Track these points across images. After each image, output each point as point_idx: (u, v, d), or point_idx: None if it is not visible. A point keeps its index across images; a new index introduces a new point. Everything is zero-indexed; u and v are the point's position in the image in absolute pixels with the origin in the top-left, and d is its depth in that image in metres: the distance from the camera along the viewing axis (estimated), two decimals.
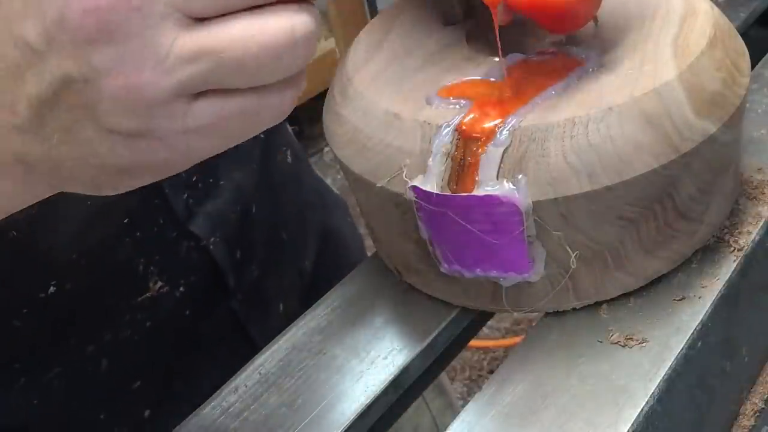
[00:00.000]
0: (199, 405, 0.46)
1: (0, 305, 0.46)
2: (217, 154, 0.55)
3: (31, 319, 0.48)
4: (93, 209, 0.48)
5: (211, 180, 0.55)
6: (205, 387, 0.47)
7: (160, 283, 0.52)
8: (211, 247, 0.55)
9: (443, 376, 0.79)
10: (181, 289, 0.54)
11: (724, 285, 0.46)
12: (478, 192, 0.42)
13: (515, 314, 1.46)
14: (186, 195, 0.54)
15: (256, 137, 0.60)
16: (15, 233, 0.45)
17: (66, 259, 0.48)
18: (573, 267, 0.44)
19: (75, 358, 0.50)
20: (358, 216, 0.58)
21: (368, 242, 0.55)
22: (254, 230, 0.60)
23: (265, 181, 0.61)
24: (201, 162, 0.53)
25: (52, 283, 0.47)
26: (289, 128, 0.69)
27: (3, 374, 0.48)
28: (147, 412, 0.55)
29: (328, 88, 0.51)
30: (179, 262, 0.54)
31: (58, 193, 0.46)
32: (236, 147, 0.58)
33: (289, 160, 0.64)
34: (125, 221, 0.50)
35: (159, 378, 0.56)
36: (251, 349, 0.49)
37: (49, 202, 0.46)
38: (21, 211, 0.44)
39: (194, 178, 0.54)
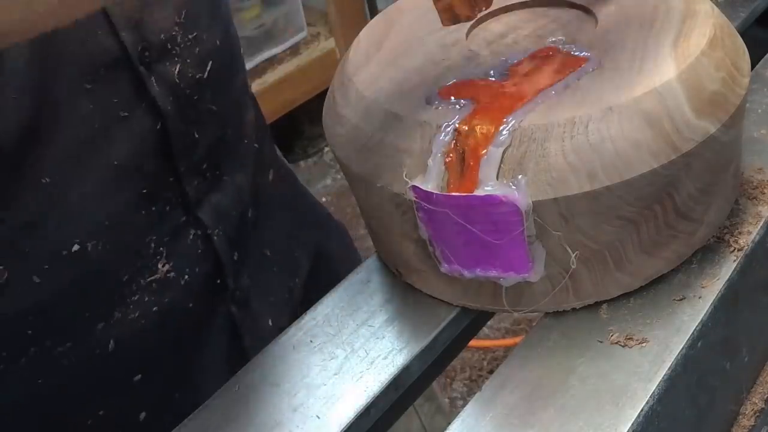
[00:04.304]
0: None
1: (26, 255, 0.47)
2: (219, 151, 0.56)
3: (51, 278, 0.48)
4: (119, 169, 0.50)
5: (217, 172, 0.57)
6: (202, 399, 0.47)
7: (167, 266, 0.54)
8: (216, 238, 0.57)
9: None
10: (186, 277, 0.55)
11: (724, 285, 0.46)
12: (478, 192, 0.42)
13: (515, 314, 1.46)
14: (197, 181, 0.55)
15: (249, 145, 0.62)
16: (47, 179, 0.47)
17: (91, 218, 0.49)
18: (573, 267, 0.44)
19: (85, 333, 0.51)
20: (355, 223, 0.58)
21: (368, 243, 0.55)
22: (248, 236, 0.61)
23: (256, 191, 0.62)
24: (209, 151, 0.54)
25: (76, 240, 0.49)
26: (278, 151, 0.70)
27: (15, 341, 0.49)
28: (143, 415, 0.55)
29: (328, 88, 0.51)
30: (186, 249, 0.55)
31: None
32: (235, 147, 0.58)
33: (270, 178, 0.65)
34: (143, 191, 0.51)
35: (159, 378, 0.56)
36: (245, 363, 0.49)
37: (80, 151, 0.47)
38: (53, 156, 0.46)
39: (204, 166, 0.55)
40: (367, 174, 0.45)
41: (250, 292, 0.61)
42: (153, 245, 0.53)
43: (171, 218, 0.54)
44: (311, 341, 0.49)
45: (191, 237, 0.55)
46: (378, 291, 0.52)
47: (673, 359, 0.42)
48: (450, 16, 0.44)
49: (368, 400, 0.45)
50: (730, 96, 0.44)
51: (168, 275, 0.54)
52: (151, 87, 0.50)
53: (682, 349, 0.43)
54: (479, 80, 0.46)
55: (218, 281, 0.58)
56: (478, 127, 0.42)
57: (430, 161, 0.43)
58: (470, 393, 1.64)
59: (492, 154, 0.42)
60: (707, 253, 0.48)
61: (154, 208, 0.52)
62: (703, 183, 0.45)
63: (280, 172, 0.68)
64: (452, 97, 0.45)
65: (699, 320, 0.44)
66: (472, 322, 0.51)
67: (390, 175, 0.44)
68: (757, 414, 0.50)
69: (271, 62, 2.02)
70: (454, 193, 0.42)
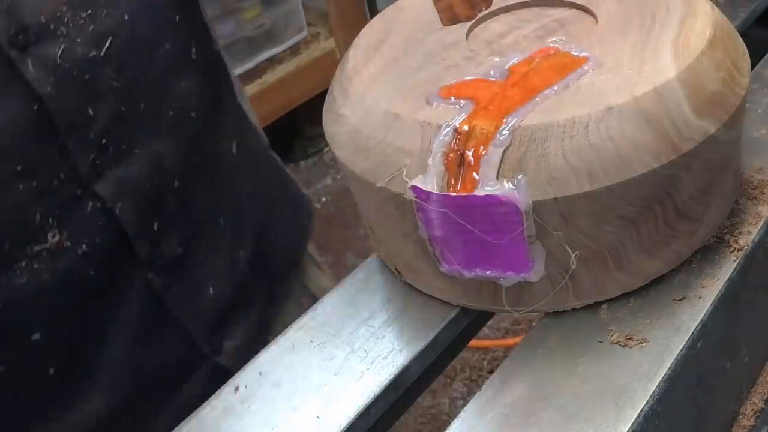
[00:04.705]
0: (112, 374, 0.45)
1: None
2: (129, 124, 0.56)
3: None
4: None
5: (123, 146, 0.56)
6: (116, 354, 0.47)
7: (58, 237, 0.54)
8: (118, 211, 0.56)
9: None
10: (84, 248, 0.55)
11: (724, 285, 0.46)
12: (478, 192, 0.42)
13: (515, 314, 1.46)
14: (93, 156, 0.54)
15: (182, 114, 0.62)
16: None
17: None
18: (573, 267, 0.44)
19: None
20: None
21: (368, 243, 0.55)
22: (176, 205, 0.61)
23: (198, 160, 0.62)
24: (110, 125, 0.54)
25: None
26: (254, 122, 0.69)
27: None
28: (52, 370, 0.55)
29: (328, 88, 0.51)
30: (82, 221, 0.55)
31: None
32: (154, 117, 0.58)
33: (234, 150, 0.65)
34: (18, 168, 0.51)
35: (63, 336, 0.56)
36: (171, 326, 0.49)
37: None
38: None
39: (103, 141, 0.55)
40: (367, 174, 0.45)
41: (184, 259, 0.61)
42: (39, 216, 0.53)
43: (60, 191, 0.53)
44: (311, 341, 0.49)
45: (89, 209, 0.55)
46: (378, 291, 0.52)
47: (673, 359, 0.42)
48: (450, 16, 0.44)
49: (368, 400, 0.45)
50: (730, 96, 0.44)
51: (62, 245, 0.54)
52: (26, 70, 0.50)
53: (682, 349, 0.43)
54: (479, 80, 0.46)
55: (126, 252, 0.58)
56: (478, 127, 0.42)
57: (430, 161, 0.43)
58: (470, 393, 1.64)
59: (492, 154, 0.42)
60: (707, 253, 0.48)
61: (35, 184, 0.52)
62: (703, 183, 0.45)
63: (247, 142, 0.67)
64: (452, 97, 0.45)
65: (699, 320, 0.44)
66: (472, 322, 0.51)
67: (390, 175, 0.44)
68: (757, 414, 0.50)
69: (271, 62, 2.03)
70: (454, 193, 0.42)
